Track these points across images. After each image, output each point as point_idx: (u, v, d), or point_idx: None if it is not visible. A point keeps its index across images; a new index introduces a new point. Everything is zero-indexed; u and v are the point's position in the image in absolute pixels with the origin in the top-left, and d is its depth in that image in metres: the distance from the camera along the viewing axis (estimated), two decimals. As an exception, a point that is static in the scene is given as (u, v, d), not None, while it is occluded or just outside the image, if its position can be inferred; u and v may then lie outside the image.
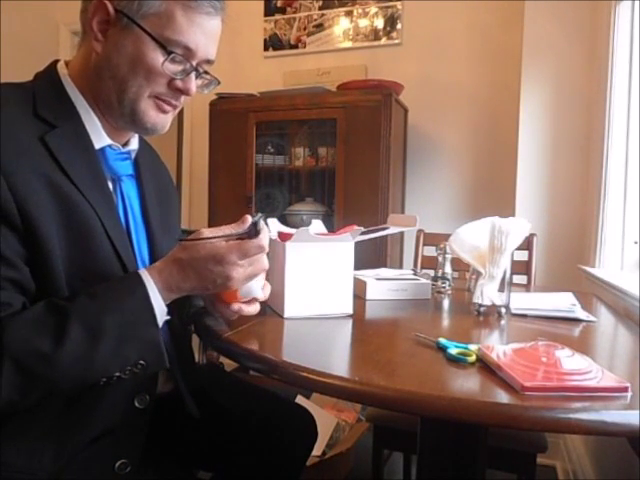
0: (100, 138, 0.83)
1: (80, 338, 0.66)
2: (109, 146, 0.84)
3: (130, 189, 0.88)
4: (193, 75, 0.83)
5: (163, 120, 0.85)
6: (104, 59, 0.80)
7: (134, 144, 0.90)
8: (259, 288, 0.84)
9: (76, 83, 0.82)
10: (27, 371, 0.64)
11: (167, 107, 0.84)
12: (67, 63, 0.85)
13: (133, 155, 0.90)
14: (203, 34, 0.81)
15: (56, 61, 0.85)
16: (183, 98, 0.85)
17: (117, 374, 0.70)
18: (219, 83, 0.90)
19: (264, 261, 0.79)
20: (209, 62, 0.85)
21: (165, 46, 0.78)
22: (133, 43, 0.78)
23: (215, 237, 0.75)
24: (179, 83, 0.82)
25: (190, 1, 0.78)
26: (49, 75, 0.83)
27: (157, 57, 0.78)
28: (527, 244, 1.71)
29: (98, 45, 0.80)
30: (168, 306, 0.80)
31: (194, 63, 0.82)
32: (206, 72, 0.87)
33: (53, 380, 0.66)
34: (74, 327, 0.66)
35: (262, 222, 0.77)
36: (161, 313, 0.74)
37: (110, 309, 0.69)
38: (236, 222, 0.78)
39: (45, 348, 0.64)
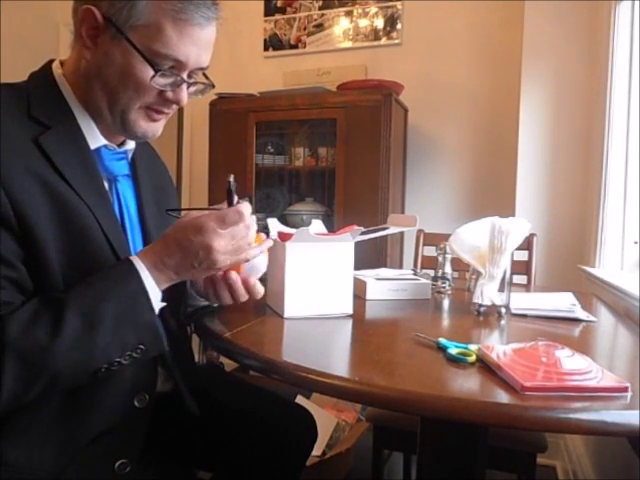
0: (95, 138, 0.83)
1: (77, 326, 0.67)
2: (104, 146, 0.84)
3: (126, 189, 0.88)
4: (184, 86, 0.82)
5: (154, 128, 0.84)
6: (94, 68, 0.79)
7: (131, 144, 0.90)
8: (263, 265, 0.84)
9: (70, 84, 0.82)
10: (29, 363, 0.65)
11: (158, 116, 0.83)
12: (62, 63, 0.85)
13: (130, 155, 0.90)
14: (194, 45, 0.79)
15: (51, 61, 0.85)
16: (175, 106, 0.84)
17: (117, 359, 0.70)
18: (214, 87, 0.88)
19: (249, 236, 0.78)
20: (202, 69, 0.84)
21: (153, 64, 0.76)
22: (122, 55, 0.77)
23: (198, 208, 0.77)
24: (170, 94, 0.81)
25: (180, 13, 0.75)
26: (44, 75, 0.82)
27: (146, 71, 0.77)
28: (527, 244, 1.71)
29: (87, 52, 0.78)
30: (164, 300, 0.80)
31: (185, 75, 0.81)
32: (205, 75, 0.86)
33: (55, 369, 0.66)
34: (71, 316, 0.67)
35: (235, 189, 0.78)
36: (155, 296, 0.74)
37: (106, 296, 0.70)
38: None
39: (44, 339, 0.65)
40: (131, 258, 0.74)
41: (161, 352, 0.77)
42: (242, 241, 0.77)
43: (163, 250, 0.74)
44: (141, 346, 0.72)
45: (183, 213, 0.81)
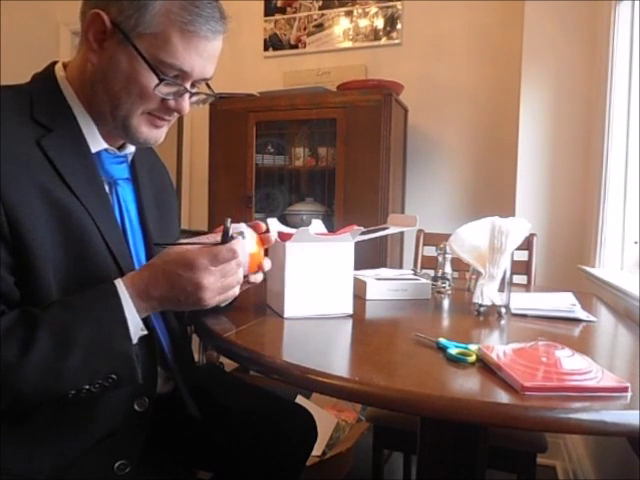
0: (96, 142, 0.82)
1: (48, 349, 0.65)
2: (105, 150, 0.84)
3: (126, 192, 0.88)
4: (186, 95, 0.82)
5: (156, 134, 0.84)
6: (99, 71, 0.79)
7: (131, 147, 0.90)
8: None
9: (73, 86, 0.82)
10: None
11: (160, 122, 0.83)
12: (65, 65, 0.85)
13: (130, 158, 0.90)
14: (200, 57, 0.79)
15: (54, 62, 0.85)
16: (177, 114, 0.84)
17: (86, 387, 0.69)
18: (216, 97, 0.89)
19: (239, 274, 0.78)
20: (206, 79, 0.84)
21: (157, 73, 0.76)
22: (128, 60, 0.77)
23: (189, 242, 0.75)
24: (172, 103, 0.81)
25: (189, 25, 0.76)
26: (47, 77, 0.82)
27: (151, 79, 0.77)
28: (527, 244, 1.71)
29: (94, 56, 0.79)
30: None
31: (188, 85, 0.81)
32: (208, 85, 0.86)
33: (18, 389, 0.65)
34: (43, 337, 0.65)
35: (232, 228, 0.77)
36: (135, 326, 0.72)
37: (82, 320, 0.68)
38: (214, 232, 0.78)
39: (10, 357, 0.64)
40: (115, 282, 0.72)
41: (134, 384, 0.75)
42: (231, 278, 0.76)
43: (150, 280, 0.73)
44: (113, 376, 0.70)
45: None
